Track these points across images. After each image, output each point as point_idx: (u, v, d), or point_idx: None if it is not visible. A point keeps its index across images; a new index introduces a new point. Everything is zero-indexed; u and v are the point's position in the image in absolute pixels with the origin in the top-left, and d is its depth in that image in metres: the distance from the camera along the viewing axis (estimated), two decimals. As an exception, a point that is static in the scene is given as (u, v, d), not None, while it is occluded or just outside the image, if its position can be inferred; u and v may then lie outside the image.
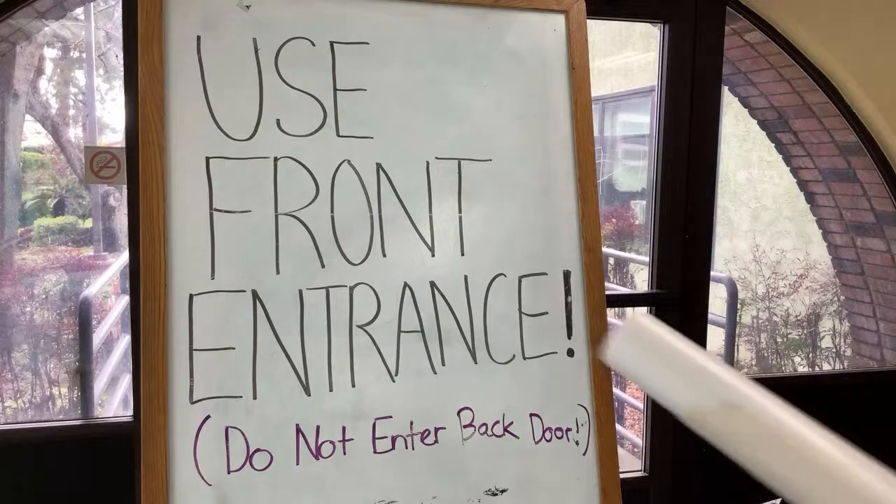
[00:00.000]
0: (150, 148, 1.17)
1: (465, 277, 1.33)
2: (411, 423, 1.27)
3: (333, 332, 1.24)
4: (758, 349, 4.88)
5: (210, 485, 1.16)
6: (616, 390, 3.95)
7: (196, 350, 1.17)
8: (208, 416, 1.17)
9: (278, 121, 1.24)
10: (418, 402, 1.28)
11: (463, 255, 1.34)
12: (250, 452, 1.19)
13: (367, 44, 1.31)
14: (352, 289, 1.26)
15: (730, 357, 3.71)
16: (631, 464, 2.03)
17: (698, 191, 1.82)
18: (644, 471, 1.97)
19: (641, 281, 5.60)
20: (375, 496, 1.24)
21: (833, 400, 1.95)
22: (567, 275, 1.40)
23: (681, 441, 1.90)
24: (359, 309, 1.26)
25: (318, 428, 1.22)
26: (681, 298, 1.83)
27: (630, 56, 6.65)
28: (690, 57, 1.80)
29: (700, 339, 1.86)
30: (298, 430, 1.21)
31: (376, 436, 1.25)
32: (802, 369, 4.68)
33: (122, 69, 1.28)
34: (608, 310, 1.44)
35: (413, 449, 1.27)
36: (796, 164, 2.59)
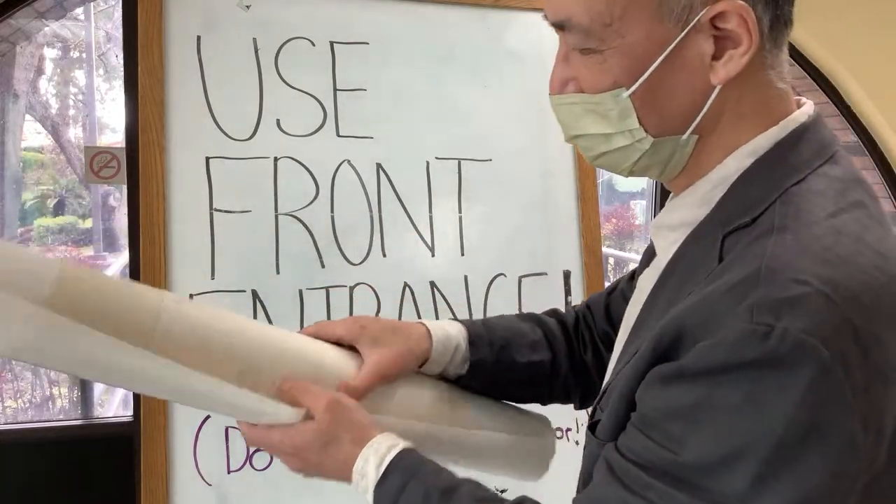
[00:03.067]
0: (150, 148, 1.17)
1: (465, 277, 1.33)
2: (411, 423, 1.27)
3: (333, 332, 1.24)
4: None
5: (210, 485, 1.16)
6: (616, 390, 3.94)
7: (196, 350, 1.17)
8: (208, 416, 1.17)
9: (278, 121, 1.24)
10: (418, 402, 1.28)
11: (463, 255, 1.34)
12: (250, 452, 1.19)
13: (367, 44, 1.31)
14: (352, 289, 1.26)
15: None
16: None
17: (698, 191, 1.82)
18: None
19: (641, 281, 5.59)
20: (375, 496, 1.24)
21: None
22: (567, 275, 1.40)
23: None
24: (359, 309, 1.26)
25: (318, 428, 1.22)
26: (681, 298, 1.84)
27: (630, 56, 6.64)
28: (690, 57, 1.80)
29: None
30: (298, 430, 1.21)
31: (376, 436, 1.25)
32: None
33: (122, 69, 1.28)
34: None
35: (413, 449, 1.27)
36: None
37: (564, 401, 0.87)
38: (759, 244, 0.52)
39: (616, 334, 0.80)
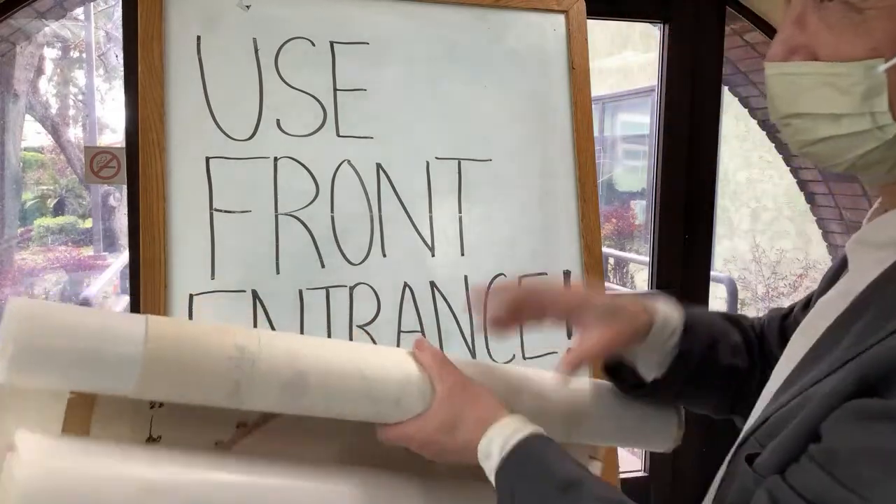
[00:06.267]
0: (150, 148, 1.17)
1: (465, 277, 1.33)
2: (411, 423, 1.27)
3: (333, 332, 1.24)
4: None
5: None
6: (616, 390, 3.93)
7: (196, 350, 1.17)
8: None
9: (278, 121, 1.24)
10: (418, 402, 1.28)
11: (463, 255, 1.34)
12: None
13: (367, 44, 1.31)
14: (352, 289, 1.26)
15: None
16: (631, 464, 2.03)
17: (698, 191, 1.82)
18: (644, 471, 1.98)
19: (641, 281, 5.61)
20: (375, 496, 1.24)
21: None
22: (567, 275, 1.40)
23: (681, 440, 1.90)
24: (359, 309, 1.26)
25: (318, 428, 1.22)
26: (681, 298, 1.83)
27: (630, 56, 6.65)
28: (690, 57, 1.80)
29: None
30: (298, 430, 1.21)
31: (376, 436, 1.25)
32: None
33: (122, 69, 1.28)
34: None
35: (413, 449, 1.27)
36: (796, 163, 2.59)
37: (743, 414, 0.79)
38: None
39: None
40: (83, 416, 0.60)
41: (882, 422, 0.44)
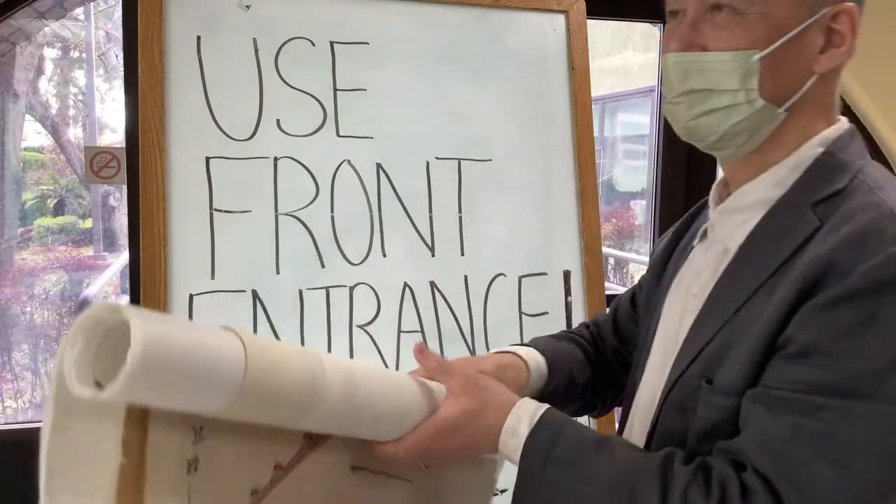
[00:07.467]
0: (150, 148, 1.17)
1: (465, 277, 1.33)
2: (411, 423, 1.27)
3: (333, 332, 1.24)
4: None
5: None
6: (616, 390, 3.94)
7: (196, 350, 1.17)
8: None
9: (278, 121, 1.24)
10: (418, 402, 1.28)
11: (463, 255, 1.34)
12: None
13: (367, 44, 1.31)
14: (352, 289, 1.26)
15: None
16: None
17: (698, 191, 1.82)
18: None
19: (641, 281, 5.58)
20: (375, 496, 1.24)
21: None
22: (567, 275, 1.40)
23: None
24: (359, 309, 1.26)
25: (318, 428, 1.22)
26: (681, 298, 1.83)
27: (630, 56, 6.64)
28: (690, 57, 1.80)
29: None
30: (298, 430, 1.21)
31: (376, 436, 1.25)
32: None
33: (122, 69, 1.28)
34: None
35: (413, 449, 1.27)
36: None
37: (591, 411, 0.95)
38: (868, 197, 0.63)
39: (627, 351, 0.93)
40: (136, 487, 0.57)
41: (842, 304, 0.57)
